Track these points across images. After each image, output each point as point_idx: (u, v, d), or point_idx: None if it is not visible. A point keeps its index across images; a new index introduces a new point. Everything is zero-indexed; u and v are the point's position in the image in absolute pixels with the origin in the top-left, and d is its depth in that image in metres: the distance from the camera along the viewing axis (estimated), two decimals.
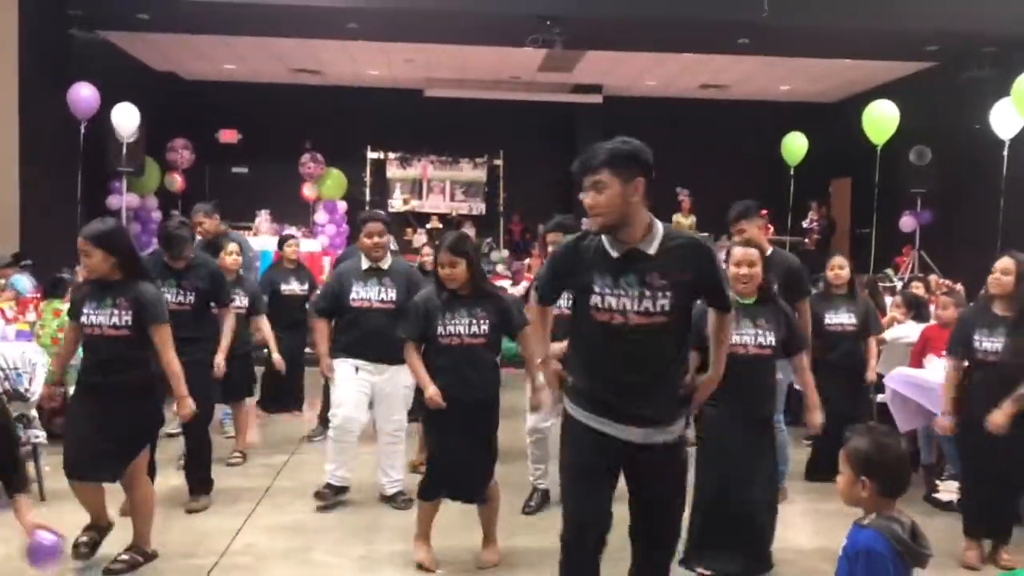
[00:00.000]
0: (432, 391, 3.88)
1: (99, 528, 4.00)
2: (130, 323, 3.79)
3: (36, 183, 9.27)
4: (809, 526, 4.76)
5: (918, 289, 7.47)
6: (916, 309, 6.48)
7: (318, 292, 6.15)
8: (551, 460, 4.49)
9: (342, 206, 13.52)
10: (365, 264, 4.83)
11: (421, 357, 4.04)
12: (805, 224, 13.64)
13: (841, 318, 5.65)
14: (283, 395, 7.06)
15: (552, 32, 9.61)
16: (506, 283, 9.53)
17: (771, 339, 3.89)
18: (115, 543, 4.01)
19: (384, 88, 14.32)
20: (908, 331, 6.13)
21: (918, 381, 5.27)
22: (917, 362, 5.77)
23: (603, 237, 2.83)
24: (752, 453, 3.82)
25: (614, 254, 2.80)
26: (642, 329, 2.77)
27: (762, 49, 11.12)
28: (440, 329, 3.91)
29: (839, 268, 5.79)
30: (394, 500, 4.89)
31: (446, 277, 3.93)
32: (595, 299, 2.79)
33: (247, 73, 13.71)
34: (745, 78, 13.35)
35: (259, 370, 6.49)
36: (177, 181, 12.85)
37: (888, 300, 7.30)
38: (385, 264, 4.84)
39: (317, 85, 14.20)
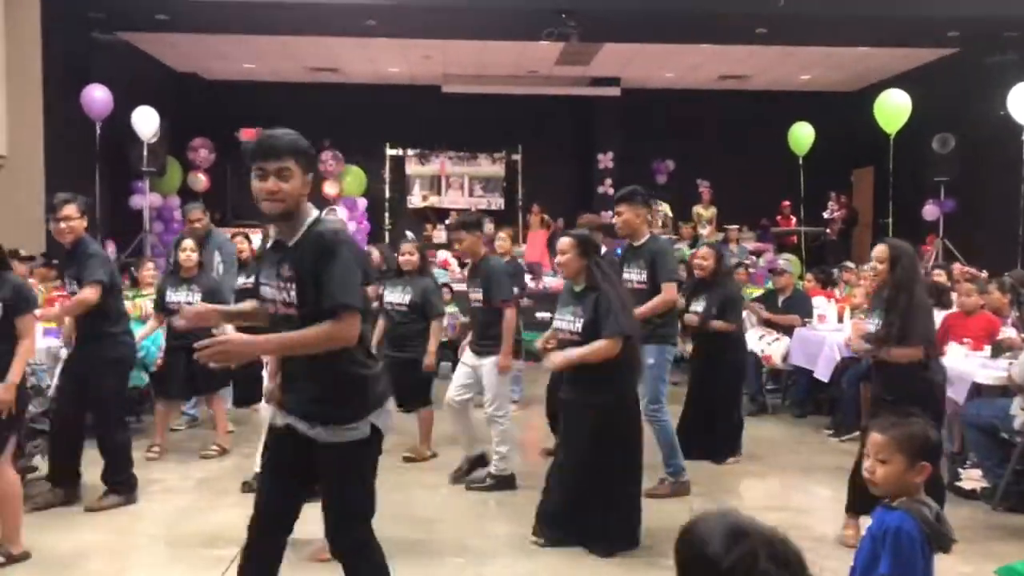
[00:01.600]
0: None
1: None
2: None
3: (60, 184, 9.38)
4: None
5: (940, 277, 7.41)
6: (937, 297, 6.42)
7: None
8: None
9: (362, 203, 13.58)
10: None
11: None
12: (826, 215, 13.53)
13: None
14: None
15: (568, 25, 9.61)
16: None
17: (578, 326, 4.10)
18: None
19: (402, 85, 14.36)
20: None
21: None
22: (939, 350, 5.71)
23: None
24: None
25: (273, 244, 2.83)
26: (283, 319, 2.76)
27: (780, 39, 11.05)
28: None
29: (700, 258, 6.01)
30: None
31: None
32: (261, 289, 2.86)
33: (266, 72, 13.80)
34: (764, 68, 13.26)
35: None
36: (202, 180, 12.96)
37: None
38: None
39: (336, 83, 14.27)
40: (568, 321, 4.16)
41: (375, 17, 10.08)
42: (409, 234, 10.43)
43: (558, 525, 4.17)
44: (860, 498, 4.04)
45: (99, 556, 4.08)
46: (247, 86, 14.25)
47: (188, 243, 5.84)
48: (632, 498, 4.20)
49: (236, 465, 5.59)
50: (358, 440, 2.70)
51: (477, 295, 5.15)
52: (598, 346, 4.02)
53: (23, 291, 3.96)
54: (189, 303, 5.49)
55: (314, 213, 2.76)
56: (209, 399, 6.01)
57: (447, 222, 14.00)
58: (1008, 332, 5.64)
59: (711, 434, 5.76)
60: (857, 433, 6.36)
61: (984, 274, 7.39)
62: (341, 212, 13.16)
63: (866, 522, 2.38)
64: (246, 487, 4.87)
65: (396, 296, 5.67)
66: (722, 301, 5.81)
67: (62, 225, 4.60)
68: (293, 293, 2.66)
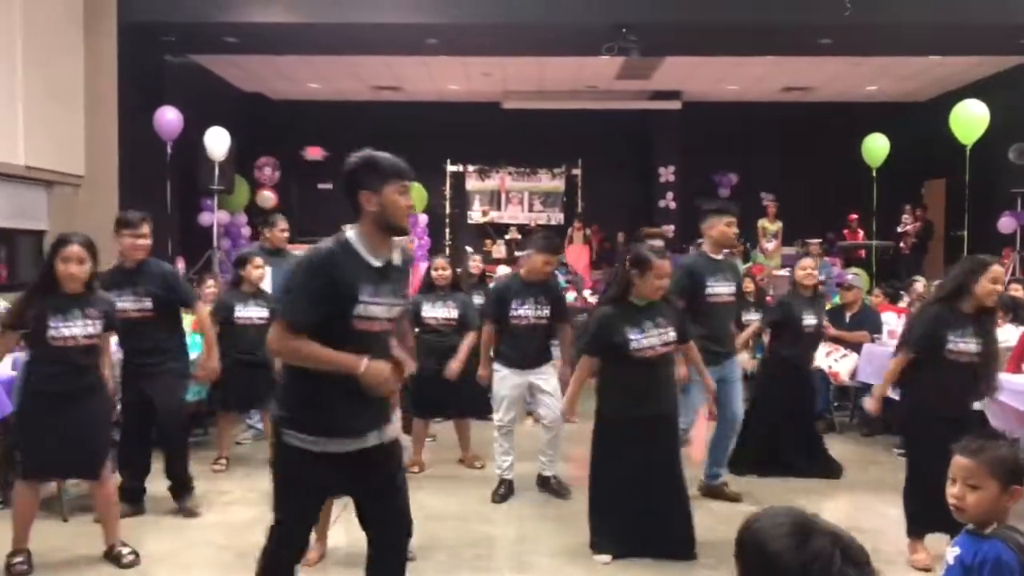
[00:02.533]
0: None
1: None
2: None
3: (134, 203, 9.70)
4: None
5: (1016, 292, 7.15)
6: (1014, 312, 6.20)
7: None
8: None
9: (423, 219, 13.70)
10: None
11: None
12: (900, 228, 13.19)
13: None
14: None
15: (628, 40, 9.57)
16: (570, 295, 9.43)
17: (672, 335, 4.19)
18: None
19: (462, 102, 14.50)
20: (1006, 335, 5.87)
21: (1017, 387, 5.04)
22: (1016, 367, 5.51)
23: (359, 244, 2.76)
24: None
25: (376, 263, 2.78)
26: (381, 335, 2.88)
27: (846, 49, 10.84)
28: None
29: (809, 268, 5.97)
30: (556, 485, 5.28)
31: None
32: (359, 308, 2.74)
33: (330, 91, 14.07)
34: (829, 79, 13.03)
35: None
36: (270, 198, 13.26)
37: None
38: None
39: (397, 101, 14.47)
40: (659, 335, 4.13)
41: (436, 36, 10.20)
42: (469, 249, 10.53)
43: (632, 538, 4.16)
44: (925, 515, 3.94)
45: (164, 566, 4.16)
46: (311, 105, 14.55)
47: (259, 259, 5.95)
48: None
49: None
50: None
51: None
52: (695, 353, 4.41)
53: (115, 308, 4.18)
54: (262, 318, 5.71)
55: None
56: (263, 413, 6.09)
57: (506, 237, 14.09)
58: None
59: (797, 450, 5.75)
60: None
61: None
62: None
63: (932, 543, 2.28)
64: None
65: (440, 311, 5.77)
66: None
67: (140, 242, 4.73)
68: (398, 310, 2.86)
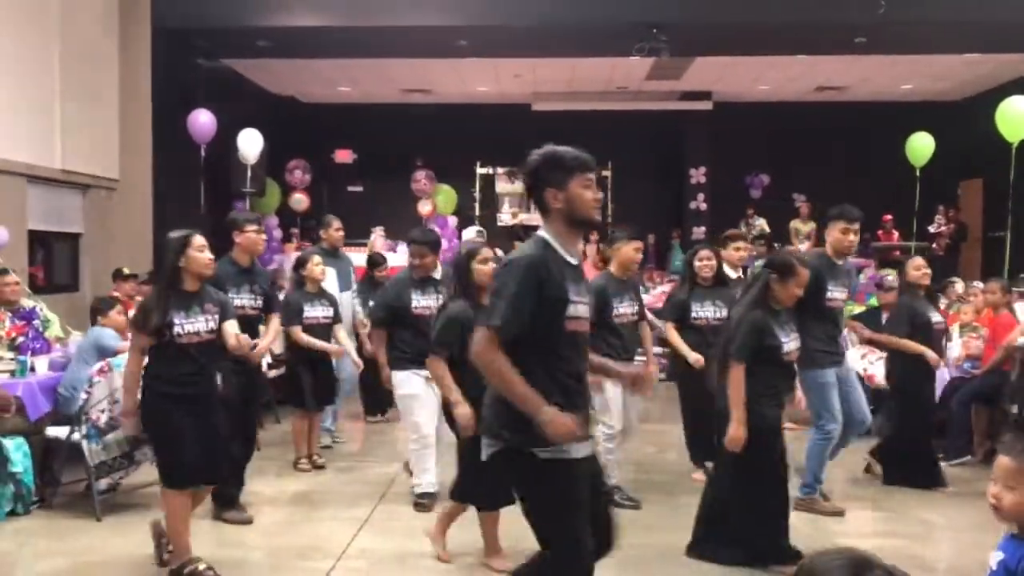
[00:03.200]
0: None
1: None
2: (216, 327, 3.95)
3: (166, 206, 9.83)
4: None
5: None
6: None
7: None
8: None
9: (452, 221, 13.73)
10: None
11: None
12: (932, 229, 12.98)
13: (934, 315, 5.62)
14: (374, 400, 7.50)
15: (659, 40, 9.52)
16: None
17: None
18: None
19: (492, 104, 14.51)
20: None
21: None
22: None
23: (556, 243, 2.70)
24: None
25: (573, 262, 2.73)
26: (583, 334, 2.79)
27: (880, 48, 10.70)
28: None
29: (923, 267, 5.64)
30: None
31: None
32: (571, 308, 2.67)
33: (361, 95, 14.15)
34: (863, 78, 12.87)
35: None
36: (303, 201, 13.36)
37: (1022, 306, 6.84)
38: (437, 275, 5.13)
39: (427, 103, 14.52)
40: (795, 339, 4.17)
41: (466, 38, 10.22)
42: (499, 252, 10.52)
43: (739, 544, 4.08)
44: None
45: None
46: (342, 108, 14.64)
47: (317, 258, 5.97)
48: None
49: (331, 479, 5.69)
50: None
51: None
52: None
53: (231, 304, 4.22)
54: (327, 317, 5.84)
55: None
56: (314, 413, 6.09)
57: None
58: None
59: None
60: (968, 457, 6.06)
61: None
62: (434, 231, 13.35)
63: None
64: (420, 507, 4.95)
65: (707, 311, 5.68)
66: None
67: (264, 237, 5.04)
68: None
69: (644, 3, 9.46)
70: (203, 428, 3.82)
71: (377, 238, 13.07)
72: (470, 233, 6.93)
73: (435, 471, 4.98)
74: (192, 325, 3.82)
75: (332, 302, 5.98)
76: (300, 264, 5.98)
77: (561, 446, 2.58)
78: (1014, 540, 2.14)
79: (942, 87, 13.39)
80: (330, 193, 14.61)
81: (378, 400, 7.47)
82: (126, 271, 8.13)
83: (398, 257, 11.38)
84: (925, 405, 5.60)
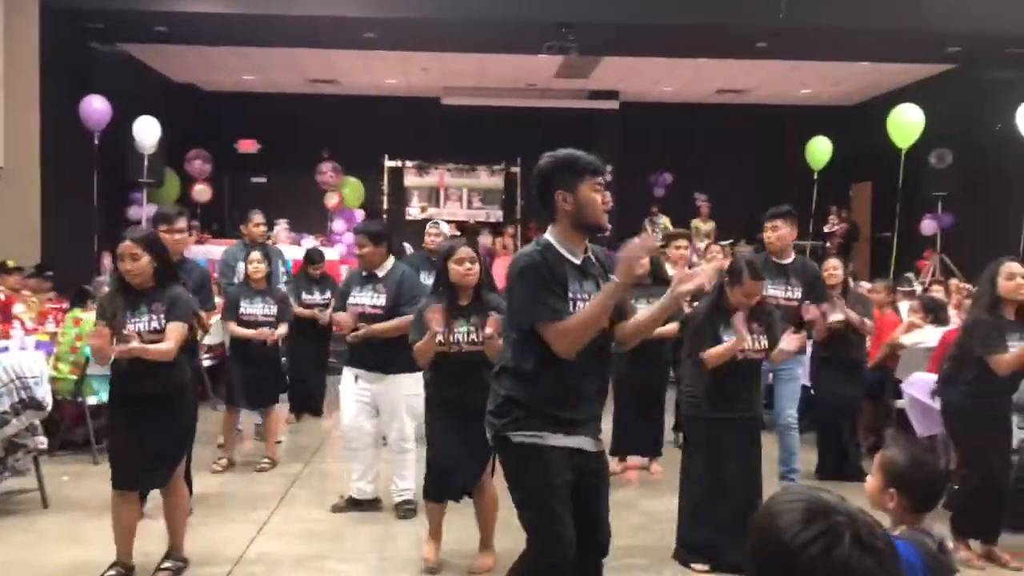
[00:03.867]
0: None
1: (127, 567, 3.89)
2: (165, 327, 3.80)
3: (55, 195, 9.39)
4: None
5: (938, 292, 7.39)
6: (934, 313, 6.40)
7: None
8: None
9: (360, 215, 13.55)
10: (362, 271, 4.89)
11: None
12: (827, 229, 13.52)
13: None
14: (305, 399, 7.39)
15: (567, 39, 9.61)
16: None
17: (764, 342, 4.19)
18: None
19: (401, 97, 14.38)
20: (927, 336, 6.05)
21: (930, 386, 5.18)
22: (937, 367, 5.68)
23: (559, 244, 2.80)
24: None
25: (576, 261, 2.80)
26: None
27: (780, 53, 11.06)
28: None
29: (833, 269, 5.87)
30: (398, 509, 4.86)
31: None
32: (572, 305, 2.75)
33: (265, 84, 13.81)
34: (763, 82, 13.28)
35: None
36: (206, 192, 12.96)
37: (905, 305, 7.20)
38: (380, 272, 4.83)
39: (335, 94, 14.28)
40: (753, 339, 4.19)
41: (373, 30, 10.08)
42: (407, 245, 10.44)
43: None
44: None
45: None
46: (245, 97, 14.26)
47: (256, 255, 5.90)
48: None
49: (235, 479, 5.56)
50: None
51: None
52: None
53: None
54: (267, 315, 5.77)
55: None
56: (265, 412, 5.99)
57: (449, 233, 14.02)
58: None
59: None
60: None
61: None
62: (339, 224, 13.16)
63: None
64: (338, 508, 4.90)
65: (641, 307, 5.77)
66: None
67: (178, 236, 4.75)
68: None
69: (552, 2, 9.52)
70: (140, 431, 3.75)
71: (281, 231, 12.80)
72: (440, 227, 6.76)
73: (366, 474, 4.90)
74: (135, 325, 3.74)
75: (279, 300, 5.88)
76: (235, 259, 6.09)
77: (537, 432, 2.71)
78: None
79: (839, 92, 13.94)
80: (233, 184, 14.23)
81: (303, 399, 7.38)
82: (10, 264, 7.74)
83: (333, 252, 11.18)
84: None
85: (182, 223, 4.76)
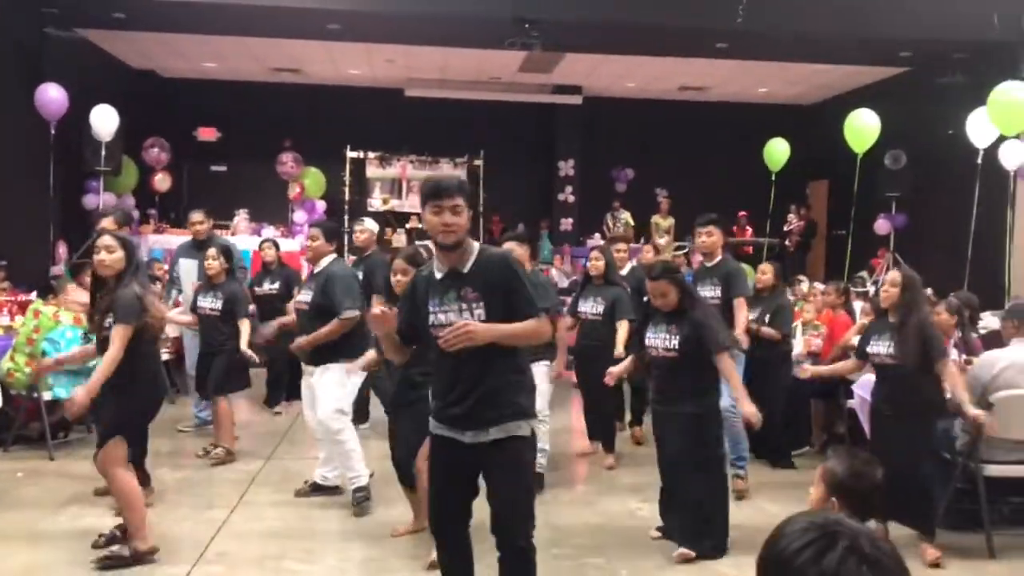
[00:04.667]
0: None
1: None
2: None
3: (9, 184, 9.22)
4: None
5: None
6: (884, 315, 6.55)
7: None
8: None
9: (321, 205, 13.49)
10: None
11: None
12: (786, 227, 13.75)
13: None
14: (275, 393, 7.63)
15: (531, 35, 9.64)
16: None
17: (675, 342, 4.32)
18: None
19: (364, 88, 14.30)
20: None
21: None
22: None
23: (435, 261, 3.17)
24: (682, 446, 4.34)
25: (438, 276, 3.14)
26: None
27: (739, 53, 11.21)
28: None
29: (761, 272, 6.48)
30: (352, 498, 4.95)
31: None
32: (431, 318, 3.12)
33: (226, 71, 13.65)
34: (723, 81, 13.45)
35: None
36: (166, 181, 12.81)
37: (858, 305, 7.38)
38: (317, 267, 5.13)
39: (297, 84, 14.16)
40: (662, 339, 4.34)
41: (337, 21, 10.02)
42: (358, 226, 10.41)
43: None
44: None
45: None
46: (206, 85, 14.07)
47: (211, 251, 6.04)
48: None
49: (193, 475, 5.55)
50: (524, 437, 3.09)
51: None
52: (729, 364, 4.36)
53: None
54: (214, 309, 5.93)
55: (476, 244, 3.15)
56: (214, 401, 5.99)
57: (407, 226, 14.01)
58: (952, 353, 5.78)
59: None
60: (806, 448, 6.52)
61: (929, 292, 7.54)
62: (300, 215, 13.09)
63: None
64: (300, 493, 5.14)
65: (588, 306, 6.07)
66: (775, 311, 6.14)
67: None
68: (480, 311, 3.03)
69: None
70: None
71: (241, 221, 12.71)
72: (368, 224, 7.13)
73: (324, 461, 5.18)
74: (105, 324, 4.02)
75: (228, 296, 5.95)
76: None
77: (432, 419, 3.18)
78: None
79: (796, 92, 14.17)
80: (192, 173, 14.07)
81: (277, 394, 7.45)
82: None
83: (293, 243, 11.12)
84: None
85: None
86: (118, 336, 3.89)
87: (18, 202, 9.35)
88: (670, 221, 13.39)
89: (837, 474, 2.40)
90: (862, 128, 10.30)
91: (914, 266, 10.55)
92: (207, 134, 14.31)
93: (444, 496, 3.16)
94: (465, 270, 3.07)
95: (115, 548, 4.10)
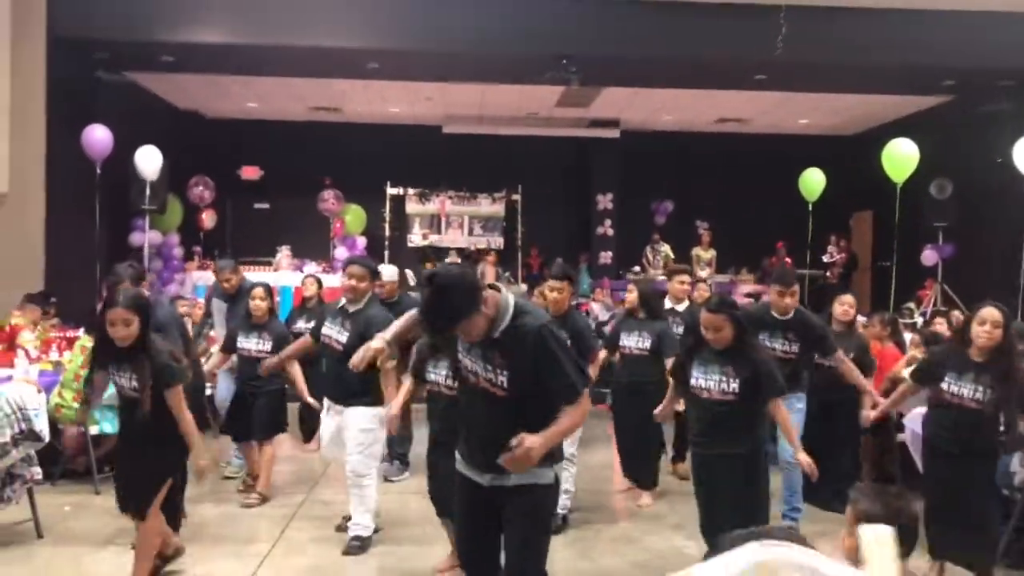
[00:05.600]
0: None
1: (163, 556, 4.33)
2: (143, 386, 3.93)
3: (59, 223, 9.44)
4: None
5: (941, 326, 7.40)
6: (935, 345, 6.40)
7: None
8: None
9: (361, 241, 13.61)
10: (340, 303, 5.02)
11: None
12: (826, 258, 13.57)
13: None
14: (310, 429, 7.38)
15: (569, 71, 9.69)
16: None
17: (734, 386, 4.05)
18: None
19: (403, 125, 14.47)
20: None
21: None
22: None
23: None
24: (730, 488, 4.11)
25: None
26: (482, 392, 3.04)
27: (778, 85, 11.15)
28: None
29: (848, 306, 6.08)
30: (348, 543, 4.85)
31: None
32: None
33: (268, 111, 13.92)
34: (762, 112, 13.38)
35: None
36: (211, 218, 13.07)
37: (908, 337, 7.21)
38: (352, 307, 4.89)
39: (337, 122, 14.37)
40: (716, 381, 4.09)
41: (377, 60, 10.17)
42: (409, 272, 10.46)
43: None
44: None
45: None
46: (248, 124, 14.36)
47: (258, 291, 5.93)
48: None
49: (234, 510, 5.55)
50: (546, 484, 2.99)
51: None
52: (784, 412, 4.20)
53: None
54: (260, 351, 5.77)
55: (511, 306, 2.94)
56: (261, 445, 5.93)
57: (446, 261, 14.07)
58: None
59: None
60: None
61: None
62: (341, 251, 13.22)
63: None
64: (341, 528, 5.06)
65: (632, 340, 5.93)
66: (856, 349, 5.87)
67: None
68: (503, 379, 2.92)
69: (553, 34, 9.60)
70: (122, 465, 4.22)
71: (283, 257, 12.88)
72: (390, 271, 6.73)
73: (353, 506, 4.91)
74: (119, 380, 4.02)
75: (275, 335, 5.84)
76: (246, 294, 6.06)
77: (457, 457, 3.16)
78: None
79: (837, 123, 14.05)
80: (235, 210, 14.31)
81: (313, 429, 7.39)
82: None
83: (334, 279, 11.14)
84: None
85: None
86: (178, 400, 3.92)
87: (67, 240, 9.56)
88: (711, 253, 13.30)
89: (876, 516, 2.27)
90: (900, 157, 10.17)
91: (964, 298, 10.41)
92: (250, 173, 14.58)
93: (469, 534, 3.14)
94: (496, 335, 2.92)
95: None
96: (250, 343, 5.85)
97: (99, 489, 5.77)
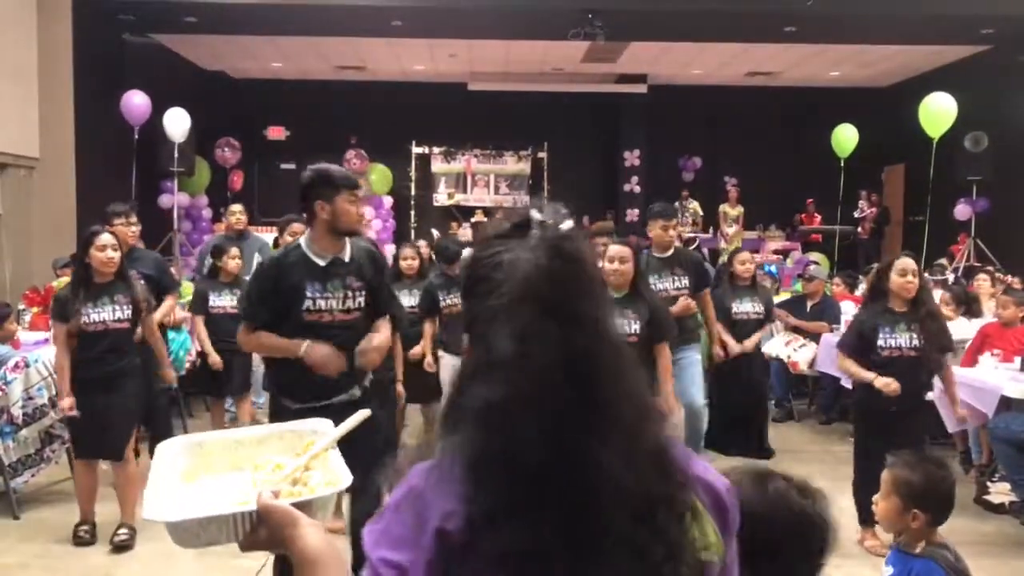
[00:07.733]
0: None
1: (90, 523, 4.47)
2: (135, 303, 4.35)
3: (90, 187, 9.53)
4: None
5: (985, 282, 7.29)
6: (967, 305, 6.33)
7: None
8: None
9: (388, 201, 13.63)
10: None
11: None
12: (856, 214, 13.39)
13: (745, 307, 6.11)
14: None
15: (594, 25, 9.56)
16: None
17: (635, 328, 4.13)
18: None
19: (428, 83, 14.38)
20: (958, 328, 5.99)
21: (970, 380, 5.15)
22: (971, 360, 5.65)
23: (307, 247, 3.18)
24: None
25: (322, 263, 3.16)
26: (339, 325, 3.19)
27: (809, 37, 10.93)
28: None
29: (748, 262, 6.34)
30: None
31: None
32: (307, 303, 3.14)
33: (293, 71, 13.88)
34: (793, 65, 13.12)
35: None
36: (236, 180, 13.12)
37: (938, 294, 7.12)
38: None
39: (362, 81, 14.32)
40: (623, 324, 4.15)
41: (401, 18, 10.10)
42: (435, 231, 10.49)
43: None
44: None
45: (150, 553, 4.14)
46: (273, 84, 14.34)
47: (235, 251, 5.91)
48: None
49: None
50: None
51: None
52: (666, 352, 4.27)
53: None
54: (235, 307, 5.63)
55: None
56: (239, 401, 6.01)
57: (472, 220, 14.05)
58: None
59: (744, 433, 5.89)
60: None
61: (1012, 280, 7.25)
62: (367, 211, 13.24)
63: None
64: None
65: (407, 300, 5.80)
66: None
67: (133, 229, 5.32)
68: (361, 300, 3.15)
69: None
70: (103, 407, 4.23)
71: None
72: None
73: None
74: (98, 315, 4.19)
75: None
76: (217, 254, 5.88)
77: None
78: (901, 554, 2.28)
79: (869, 74, 13.74)
80: (261, 171, 14.36)
81: None
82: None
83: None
84: None
85: (134, 216, 5.35)
86: (153, 323, 4.60)
87: (99, 204, 9.62)
88: (739, 210, 13.16)
89: (916, 485, 2.27)
90: (938, 112, 9.94)
91: (997, 253, 10.24)
92: (276, 133, 14.60)
93: None
94: (348, 259, 3.19)
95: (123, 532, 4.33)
96: (224, 300, 5.73)
97: (138, 449, 5.89)
